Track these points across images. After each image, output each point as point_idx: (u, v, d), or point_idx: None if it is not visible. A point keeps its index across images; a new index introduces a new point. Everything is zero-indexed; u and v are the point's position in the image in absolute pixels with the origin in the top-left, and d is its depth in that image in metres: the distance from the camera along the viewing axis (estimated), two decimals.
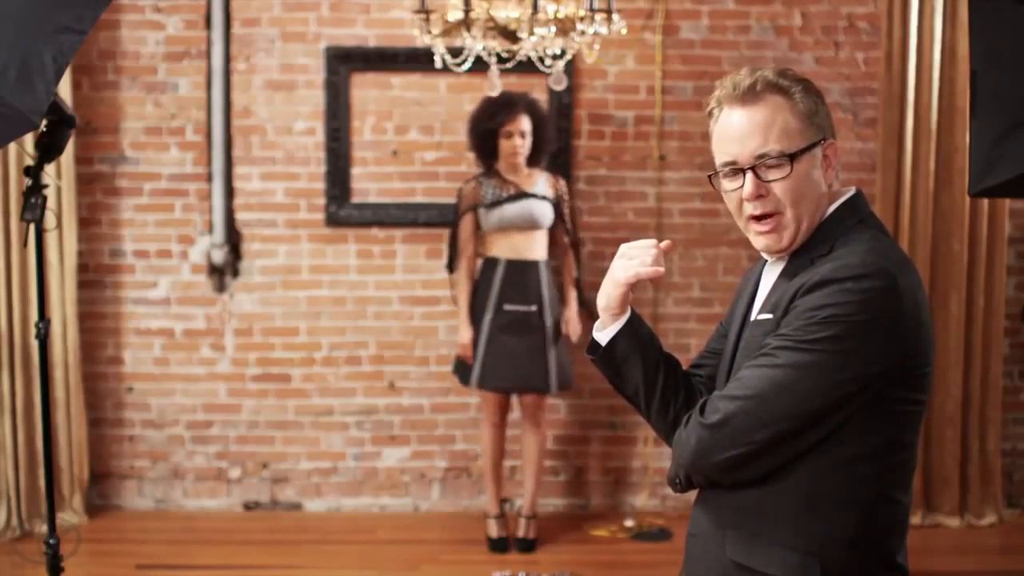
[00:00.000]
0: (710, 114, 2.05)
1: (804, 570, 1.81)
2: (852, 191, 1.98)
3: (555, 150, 5.08)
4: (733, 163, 1.98)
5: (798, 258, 1.93)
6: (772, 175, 1.90)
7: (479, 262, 4.83)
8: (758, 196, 1.92)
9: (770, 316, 1.88)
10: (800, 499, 1.82)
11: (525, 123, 4.69)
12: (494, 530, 4.83)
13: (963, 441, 5.18)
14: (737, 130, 1.96)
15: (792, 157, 1.89)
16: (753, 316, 1.95)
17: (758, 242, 1.96)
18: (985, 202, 5.03)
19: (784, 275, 1.94)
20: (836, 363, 1.76)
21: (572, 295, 4.85)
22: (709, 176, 2.04)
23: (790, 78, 1.96)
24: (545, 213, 4.74)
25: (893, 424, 1.81)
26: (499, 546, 4.79)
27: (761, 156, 1.91)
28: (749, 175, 1.93)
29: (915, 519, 5.14)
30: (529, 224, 4.72)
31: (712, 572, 1.92)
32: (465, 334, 4.73)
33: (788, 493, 1.83)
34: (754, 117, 1.94)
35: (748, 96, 1.94)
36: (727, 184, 2.00)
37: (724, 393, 1.85)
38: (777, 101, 1.93)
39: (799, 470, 1.82)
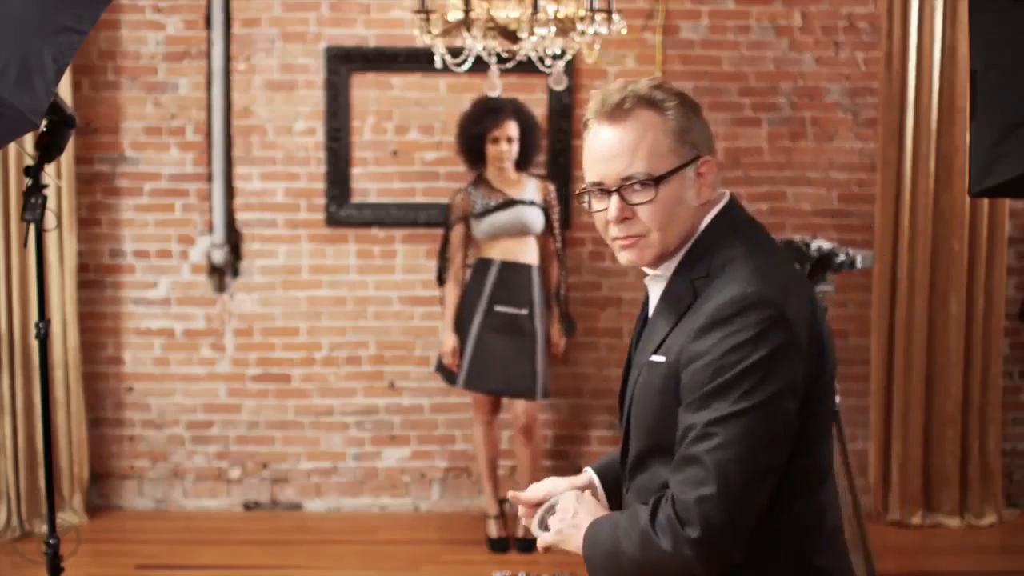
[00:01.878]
0: (585, 126, 1.91)
1: None
2: (725, 199, 1.94)
3: (552, 152, 5.09)
4: (599, 184, 1.86)
5: (678, 277, 1.88)
6: (638, 198, 1.83)
7: (472, 262, 4.83)
8: (623, 219, 1.85)
9: (663, 360, 1.82)
10: None
11: (512, 128, 4.69)
12: (494, 530, 4.83)
13: (963, 441, 5.18)
14: (604, 150, 1.85)
15: (659, 180, 1.84)
16: (647, 355, 1.87)
17: (621, 256, 1.89)
18: (985, 202, 5.03)
19: (667, 300, 1.89)
20: (770, 408, 1.72)
21: (555, 309, 4.88)
22: (577, 194, 1.93)
23: (664, 91, 1.90)
24: (536, 219, 4.75)
25: (804, 433, 1.79)
26: (499, 546, 4.79)
27: (627, 178, 1.83)
28: (614, 198, 1.84)
29: (915, 519, 5.14)
30: (520, 231, 4.73)
31: None
32: (448, 341, 4.74)
33: None
34: (622, 136, 1.85)
35: (617, 113, 1.85)
36: (595, 204, 1.88)
37: (686, 495, 1.71)
38: (647, 118, 1.86)
39: None
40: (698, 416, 1.72)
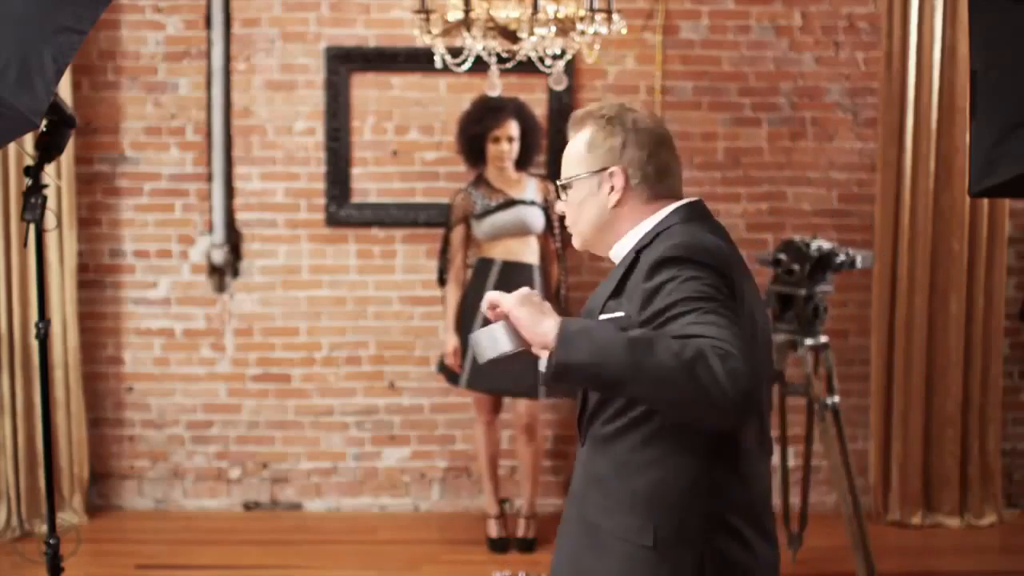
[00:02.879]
0: None
1: (650, 542, 1.94)
2: (678, 204, 2.14)
3: (552, 152, 5.09)
4: None
5: (623, 259, 2.16)
6: (561, 197, 2.27)
7: (473, 262, 4.83)
8: (564, 211, 2.27)
9: (621, 313, 2.00)
10: (648, 463, 1.96)
11: (513, 128, 4.69)
12: (494, 530, 4.84)
13: (963, 441, 5.18)
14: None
15: (564, 186, 2.24)
16: (596, 314, 2.10)
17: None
18: (985, 202, 5.03)
19: (615, 269, 2.18)
20: (730, 314, 1.90)
21: (555, 309, 4.86)
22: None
23: (603, 111, 2.17)
24: (536, 219, 4.74)
25: None
26: (499, 546, 4.79)
27: (561, 180, 2.25)
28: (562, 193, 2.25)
29: (915, 519, 5.14)
30: (521, 231, 4.73)
31: (571, 531, 2.09)
32: (450, 342, 4.74)
33: (641, 453, 1.97)
34: (568, 146, 2.25)
35: (572, 127, 2.24)
36: None
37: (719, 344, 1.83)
38: (582, 133, 2.19)
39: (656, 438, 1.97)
40: (671, 327, 1.88)
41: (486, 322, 2.07)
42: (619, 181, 2.14)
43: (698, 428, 1.93)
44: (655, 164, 2.13)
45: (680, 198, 2.17)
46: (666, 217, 2.12)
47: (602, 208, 2.16)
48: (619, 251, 2.19)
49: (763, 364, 2.05)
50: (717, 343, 1.80)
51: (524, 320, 1.96)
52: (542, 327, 1.95)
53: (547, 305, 2.00)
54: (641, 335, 1.85)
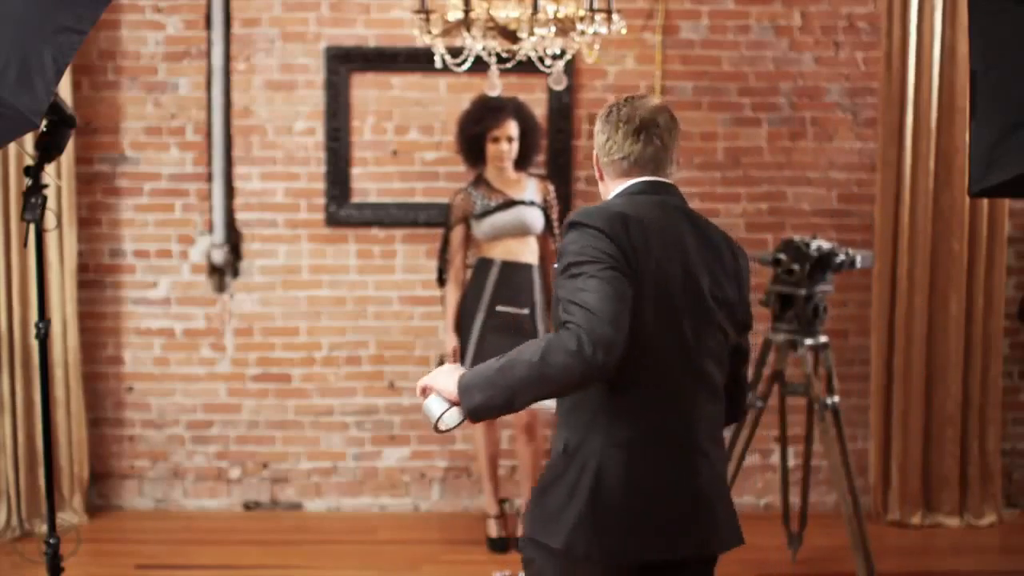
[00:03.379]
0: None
1: (562, 448, 2.45)
2: (630, 182, 2.54)
3: (552, 152, 5.10)
4: None
5: None
6: None
7: (473, 262, 4.83)
8: None
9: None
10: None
11: (512, 128, 4.69)
12: (494, 530, 4.84)
13: (963, 441, 5.19)
14: None
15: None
16: None
17: None
18: (985, 202, 5.03)
19: None
20: (607, 277, 2.30)
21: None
22: None
23: (607, 107, 2.58)
24: (536, 219, 4.74)
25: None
26: (499, 546, 4.79)
27: None
28: None
29: (915, 519, 5.14)
30: (521, 231, 4.72)
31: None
32: (449, 342, 4.74)
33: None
34: None
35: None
36: None
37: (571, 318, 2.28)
38: None
39: None
40: (568, 284, 2.33)
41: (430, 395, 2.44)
42: (596, 163, 2.60)
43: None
44: (618, 148, 2.51)
45: (652, 176, 2.53)
46: (620, 191, 2.53)
47: (600, 182, 2.63)
48: None
49: (651, 319, 2.38)
50: (573, 323, 2.24)
51: (439, 387, 2.37)
52: (450, 387, 2.33)
53: (459, 369, 2.38)
54: (506, 360, 2.28)
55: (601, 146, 2.55)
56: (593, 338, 2.21)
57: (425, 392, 2.40)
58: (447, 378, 2.35)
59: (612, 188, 2.56)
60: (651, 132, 2.50)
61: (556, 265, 2.41)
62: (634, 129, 2.50)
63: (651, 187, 2.53)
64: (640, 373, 2.39)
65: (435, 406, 2.37)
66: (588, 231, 2.36)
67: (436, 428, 2.37)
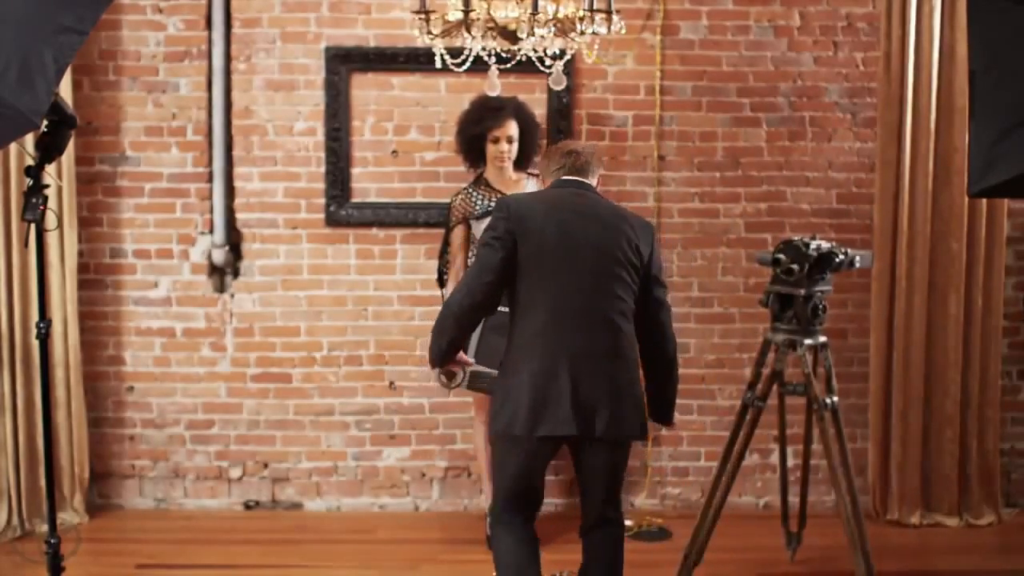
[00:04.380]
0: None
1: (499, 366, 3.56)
2: (550, 182, 3.69)
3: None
4: None
5: None
6: None
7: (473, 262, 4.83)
8: None
9: None
10: None
11: (512, 128, 4.70)
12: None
13: (962, 441, 5.19)
14: None
15: None
16: None
17: None
18: (984, 202, 5.04)
19: None
20: (486, 251, 3.48)
21: None
22: None
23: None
24: None
25: (514, 276, 3.45)
26: None
27: None
28: None
29: (914, 519, 5.15)
30: None
31: None
32: None
33: None
34: None
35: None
36: None
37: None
38: None
39: None
40: None
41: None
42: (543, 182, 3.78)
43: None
44: (548, 165, 3.70)
45: (564, 184, 3.61)
46: (542, 188, 3.74)
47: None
48: None
49: (535, 267, 3.43)
50: (454, 292, 3.55)
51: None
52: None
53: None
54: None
55: (545, 168, 3.70)
56: (452, 300, 3.49)
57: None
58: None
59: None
60: (576, 153, 3.65)
61: None
62: (566, 151, 3.67)
63: (563, 183, 3.62)
64: (534, 308, 3.43)
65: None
66: (495, 214, 3.52)
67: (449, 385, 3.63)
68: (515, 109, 4.74)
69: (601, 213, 3.53)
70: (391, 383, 5.28)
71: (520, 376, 3.41)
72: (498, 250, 3.41)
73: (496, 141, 4.69)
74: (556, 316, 3.41)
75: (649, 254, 3.53)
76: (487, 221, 4.68)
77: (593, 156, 3.66)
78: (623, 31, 3.92)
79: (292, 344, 5.24)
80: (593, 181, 3.64)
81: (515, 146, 4.72)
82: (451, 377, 3.60)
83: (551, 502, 5.28)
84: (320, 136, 5.17)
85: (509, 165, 4.74)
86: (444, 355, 3.50)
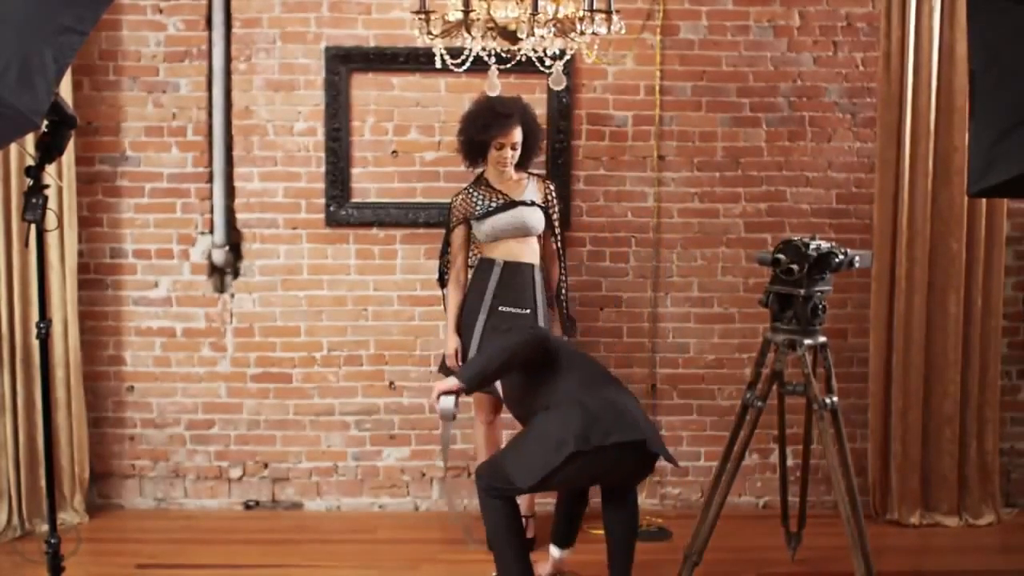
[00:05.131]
0: None
1: None
2: None
3: (551, 151, 5.10)
4: None
5: None
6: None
7: (475, 261, 4.83)
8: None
9: None
10: None
11: (518, 135, 4.69)
12: None
13: (961, 441, 5.20)
14: None
15: None
16: None
17: None
18: (983, 202, 5.04)
19: None
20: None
21: (556, 309, 4.86)
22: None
23: None
24: (537, 219, 4.74)
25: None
26: None
27: None
28: None
29: (913, 518, 5.15)
30: (522, 231, 4.72)
31: None
32: (451, 343, 4.74)
33: None
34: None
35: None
36: None
37: None
38: None
39: None
40: None
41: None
42: None
43: None
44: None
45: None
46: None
47: None
48: None
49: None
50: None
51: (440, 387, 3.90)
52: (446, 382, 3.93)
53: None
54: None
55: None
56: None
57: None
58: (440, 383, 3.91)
59: None
60: None
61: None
62: None
63: None
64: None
65: (444, 406, 3.76)
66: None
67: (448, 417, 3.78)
68: (522, 115, 4.71)
69: None
70: (391, 383, 5.28)
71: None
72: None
73: (500, 147, 4.68)
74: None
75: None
76: (488, 222, 4.71)
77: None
78: (623, 31, 3.92)
79: (292, 344, 5.25)
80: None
81: (518, 151, 4.71)
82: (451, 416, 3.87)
83: (551, 502, 5.28)
84: (320, 136, 5.18)
85: (511, 168, 4.73)
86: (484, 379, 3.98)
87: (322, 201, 5.20)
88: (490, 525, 3.93)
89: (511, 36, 3.65)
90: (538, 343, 3.98)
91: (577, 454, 3.70)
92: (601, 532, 4.14)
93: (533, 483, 3.77)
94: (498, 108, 4.59)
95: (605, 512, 4.11)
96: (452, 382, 3.87)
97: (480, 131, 4.66)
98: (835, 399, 4.02)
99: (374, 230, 5.23)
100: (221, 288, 5.23)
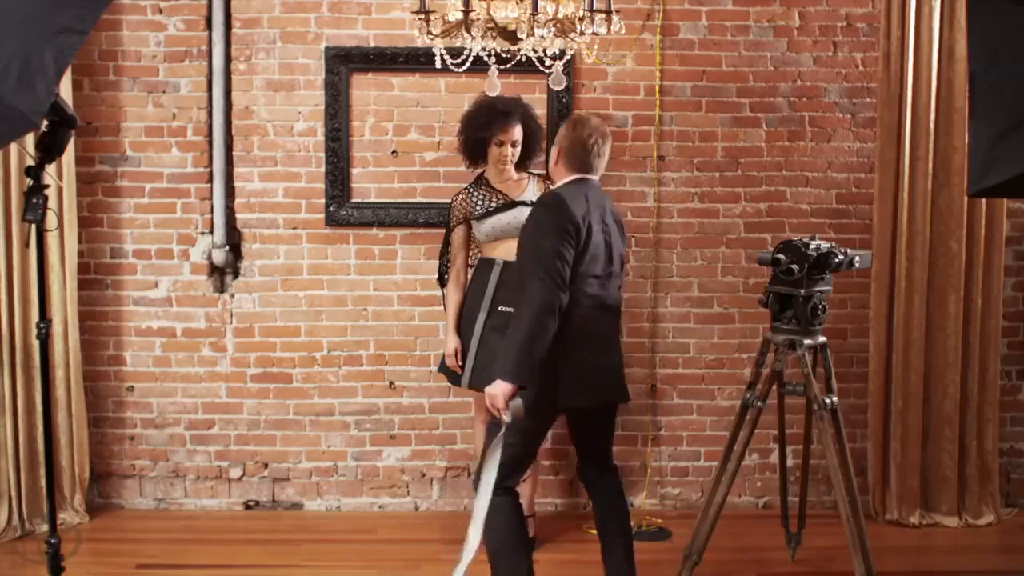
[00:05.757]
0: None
1: None
2: (569, 178, 3.92)
3: (550, 151, 5.09)
4: None
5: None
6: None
7: (475, 261, 4.83)
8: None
9: None
10: None
11: (518, 133, 4.69)
12: None
13: (961, 441, 5.20)
14: None
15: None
16: None
17: None
18: (983, 202, 5.04)
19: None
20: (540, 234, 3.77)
21: None
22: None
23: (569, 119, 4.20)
24: None
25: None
26: None
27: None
28: None
29: (913, 518, 5.15)
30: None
31: None
32: (450, 343, 4.74)
33: None
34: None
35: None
36: None
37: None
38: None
39: None
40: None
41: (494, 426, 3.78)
42: (554, 153, 3.97)
43: None
44: (568, 152, 3.92)
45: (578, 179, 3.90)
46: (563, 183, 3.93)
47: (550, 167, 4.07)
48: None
49: (583, 273, 3.79)
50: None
51: (497, 392, 3.66)
52: (495, 390, 3.66)
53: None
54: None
55: (567, 149, 3.93)
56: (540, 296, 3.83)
57: (498, 409, 3.64)
58: (495, 387, 3.65)
59: (561, 176, 3.96)
60: (595, 147, 3.97)
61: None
62: (586, 142, 3.95)
63: (578, 181, 3.96)
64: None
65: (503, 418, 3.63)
66: (553, 217, 3.85)
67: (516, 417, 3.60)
68: (522, 113, 4.72)
69: (610, 211, 3.98)
70: (391, 383, 5.28)
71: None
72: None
73: (501, 145, 4.67)
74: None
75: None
76: (488, 222, 4.70)
77: (605, 147, 3.95)
78: (623, 31, 3.92)
79: (292, 344, 5.25)
80: (600, 173, 3.98)
81: (519, 149, 4.71)
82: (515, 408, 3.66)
83: (551, 502, 5.29)
84: (320, 136, 5.18)
85: (511, 167, 4.73)
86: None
87: (322, 201, 5.20)
88: (495, 526, 3.87)
89: (511, 36, 3.65)
90: (551, 307, 3.67)
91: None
92: (597, 532, 4.12)
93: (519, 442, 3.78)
94: (498, 106, 4.59)
95: (596, 505, 4.11)
96: (506, 386, 3.63)
97: (480, 128, 4.66)
98: (835, 399, 4.02)
99: (374, 230, 5.23)
100: (221, 288, 5.23)
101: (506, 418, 3.61)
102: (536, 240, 3.74)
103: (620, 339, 4.09)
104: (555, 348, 3.70)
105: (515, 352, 3.63)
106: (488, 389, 3.67)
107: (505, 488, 3.84)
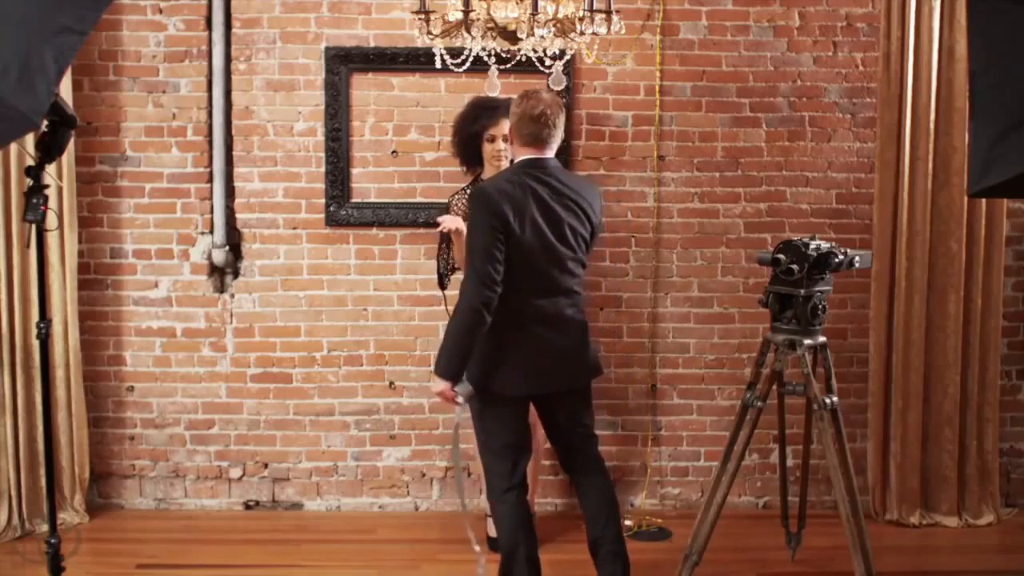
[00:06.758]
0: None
1: None
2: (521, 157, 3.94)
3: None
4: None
5: None
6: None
7: None
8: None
9: None
10: None
11: (507, 126, 4.69)
12: (494, 529, 4.84)
13: (961, 441, 5.20)
14: None
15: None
16: None
17: None
18: (983, 202, 5.04)
19: None
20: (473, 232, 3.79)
21: None
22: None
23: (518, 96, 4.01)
24: None
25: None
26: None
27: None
28: None
29: (913, 518, 5.15)
30: None
31: None
32: None
33: None
34: None
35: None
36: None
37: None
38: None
39: None
40: None
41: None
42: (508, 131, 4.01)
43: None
44: (517, 127, 3.90)
45: (528, 160, 3.89)
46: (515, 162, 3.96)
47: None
48: None
49: (522, 262, 3.78)
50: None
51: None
52: (434, 387, 3.85)
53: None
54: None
55: (515, 132, 3.92)
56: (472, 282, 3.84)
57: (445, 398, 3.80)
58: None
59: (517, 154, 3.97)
60: (543, 119, 3.89)
61: None
62: (534, 117, 3.88)
63: (526, 167, 3.98)
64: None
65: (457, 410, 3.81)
66: (484, 208, 3.86)
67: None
68: (509, 107, 4.72)
69: (565, 193, 3.87)
70: (391, 383, 5.28)
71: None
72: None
73: (492, 140, 4.68)
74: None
75: (599, 219, 4.00)
76: None
77: (558, 118, 3.85)
78: (623, 31, 3.92)
79: (292, 344, 5.25)
80: (555, 147, 3.89)
81: (512, 146, 4.70)
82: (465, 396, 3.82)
83: (551, 502, 5.29)
84: (320, 136, 5.18)
85: (506, 163, 4.73)
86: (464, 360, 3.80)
87: (322, 201, 5.20)
88: (504, 526, 3.94)
89: (511, 36, 3.65)
90: (475, 306, 3.73)
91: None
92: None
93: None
94: (485, 102, 4.61)
95: (578, 485, 4.10)
96: (441, 381, 3.80)
97: (469, 123, 4.68)
98: (835, 399, 4.02)
99: (374, 230, 5.23)
100: (221, 288, 5.23)
101: (460, 400, 3.79)
102: (471, 238, 3.79)
103: (581, 322, 3.95)
104: (498, 338, 3.78)
105: (444, 350, 3.79)
106: (431, 387, 3.88)
107: (506, 488, 3.84)
